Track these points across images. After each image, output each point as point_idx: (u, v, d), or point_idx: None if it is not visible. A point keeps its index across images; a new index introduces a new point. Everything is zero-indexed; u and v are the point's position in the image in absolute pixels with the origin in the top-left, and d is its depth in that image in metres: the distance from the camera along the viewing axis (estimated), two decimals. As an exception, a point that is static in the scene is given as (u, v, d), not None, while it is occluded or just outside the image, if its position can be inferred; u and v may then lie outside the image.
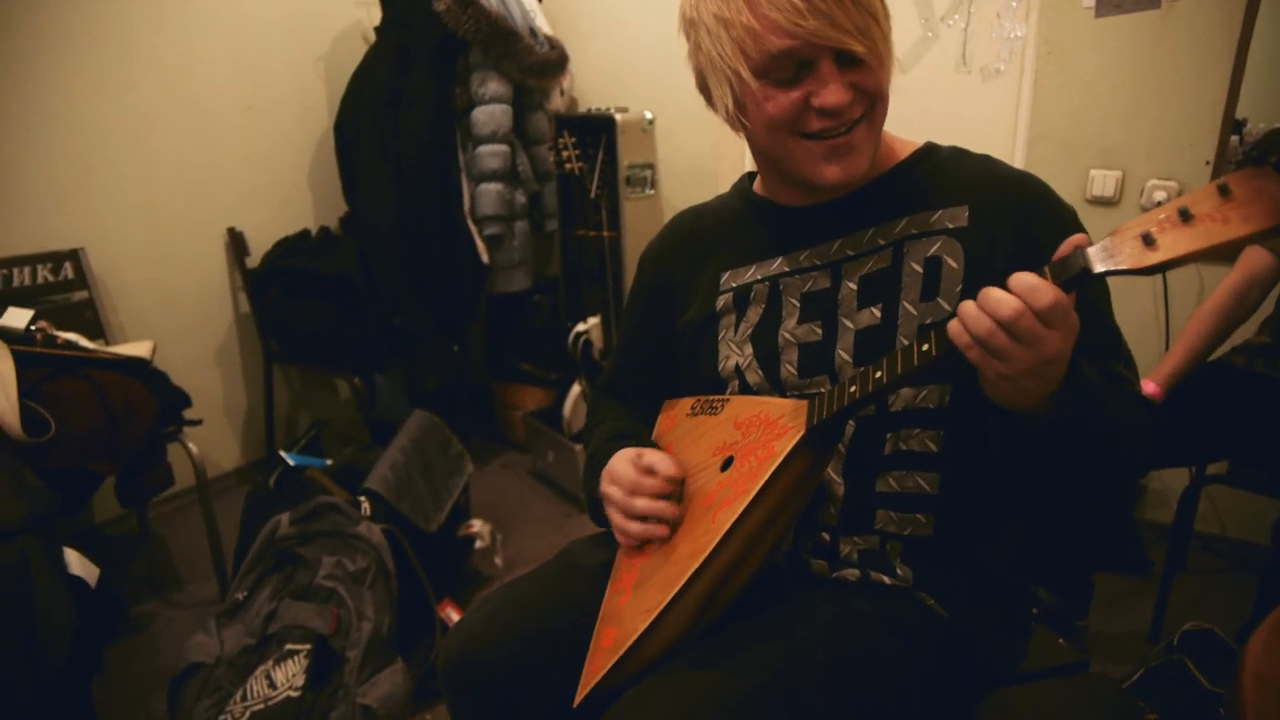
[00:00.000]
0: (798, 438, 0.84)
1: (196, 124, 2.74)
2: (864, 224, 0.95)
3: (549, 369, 3.19)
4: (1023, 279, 0.69)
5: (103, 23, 2.47)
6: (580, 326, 2.82)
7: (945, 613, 0.93)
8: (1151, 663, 1.78)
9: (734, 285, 1.03)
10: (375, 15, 2.85)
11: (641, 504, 0.95)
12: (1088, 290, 0.85)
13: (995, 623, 0.97)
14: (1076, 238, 0.71)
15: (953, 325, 0.72)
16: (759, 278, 1.01)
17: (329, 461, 2.25)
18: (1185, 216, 0.61)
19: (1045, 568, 1.95)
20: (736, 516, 0.83)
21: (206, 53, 2.74)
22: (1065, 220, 0.92)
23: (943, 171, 0.96)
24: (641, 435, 1.09)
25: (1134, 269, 0.64)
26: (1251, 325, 1.84)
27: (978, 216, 0.91)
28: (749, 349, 0.99)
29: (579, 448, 2.73)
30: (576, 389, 2.85)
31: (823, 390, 0.89)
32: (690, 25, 0.90)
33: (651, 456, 0.98)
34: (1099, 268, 0.66)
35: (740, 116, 0.90)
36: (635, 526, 0.95)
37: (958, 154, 0.98)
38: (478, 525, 2.37)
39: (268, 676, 1.68)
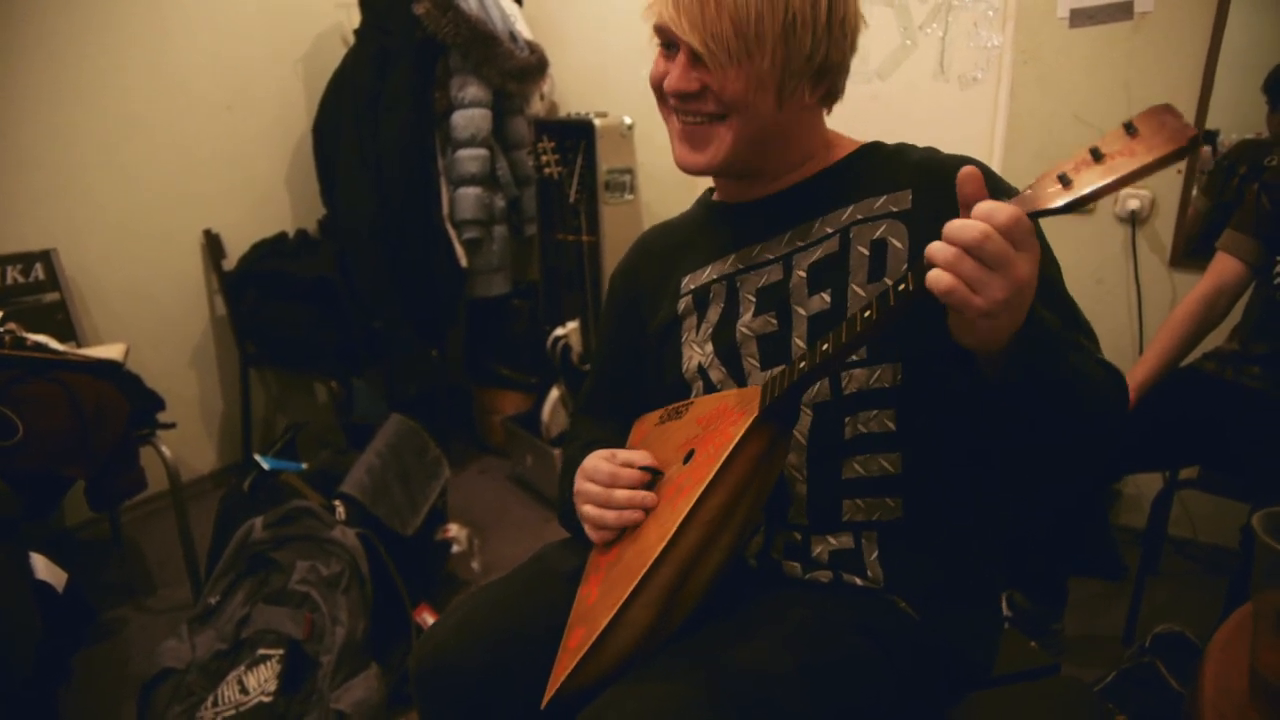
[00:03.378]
0: (751, 419, 0.86)
1: (174, 124, 2.72)
2: (811, 215, 0.99)
3: (528, 373, 3.18)
4: (982, 205, 0.70)
5: (81, 23, 2.45)
6: (559, 331, 2.81)
7: (917, 615, 0.93)
8: (1123, 665, 1.80)
9: (693, 287, 1.05)
10: (355, 17, 2.84)
11: (622, 495, 0.94)
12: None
13: (967, 621, 0.97)
14: (968, 170, 0.72)
15: (931, 273, 0.72)
16: (715, 277, 1.04)
17: (304, 465, 2.24)
18: (1097, 156, 0.65)
19: (1021, 572, 1.97)
20: (694, 502, 0.83)
21: (185, 53, 2.72)
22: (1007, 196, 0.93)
23: (886, 162, 0.99)
24: (617, 443, 1.09)
25: (1056, 207, 0.67)
26: (1223, 331, 1.86)
27: (920, 199, 0.94)
28: (710, 347, 1.01)
29: (557, 452, 2.72)
30: (555, 393, 2.84)
31: None
32: None
33: (626, 453, 0.99)
34: (1025, 210, 0.69)
35: None
36: (611, 515, 0.94)
37: (902, 147, 1.02)
38: (455, 530, 2.35)
39: (240, 682, 1.67)
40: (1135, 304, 2.33)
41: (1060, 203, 0.67)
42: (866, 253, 0.93)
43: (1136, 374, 1.80)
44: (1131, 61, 2.24)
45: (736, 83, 0.89)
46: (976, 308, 0.70)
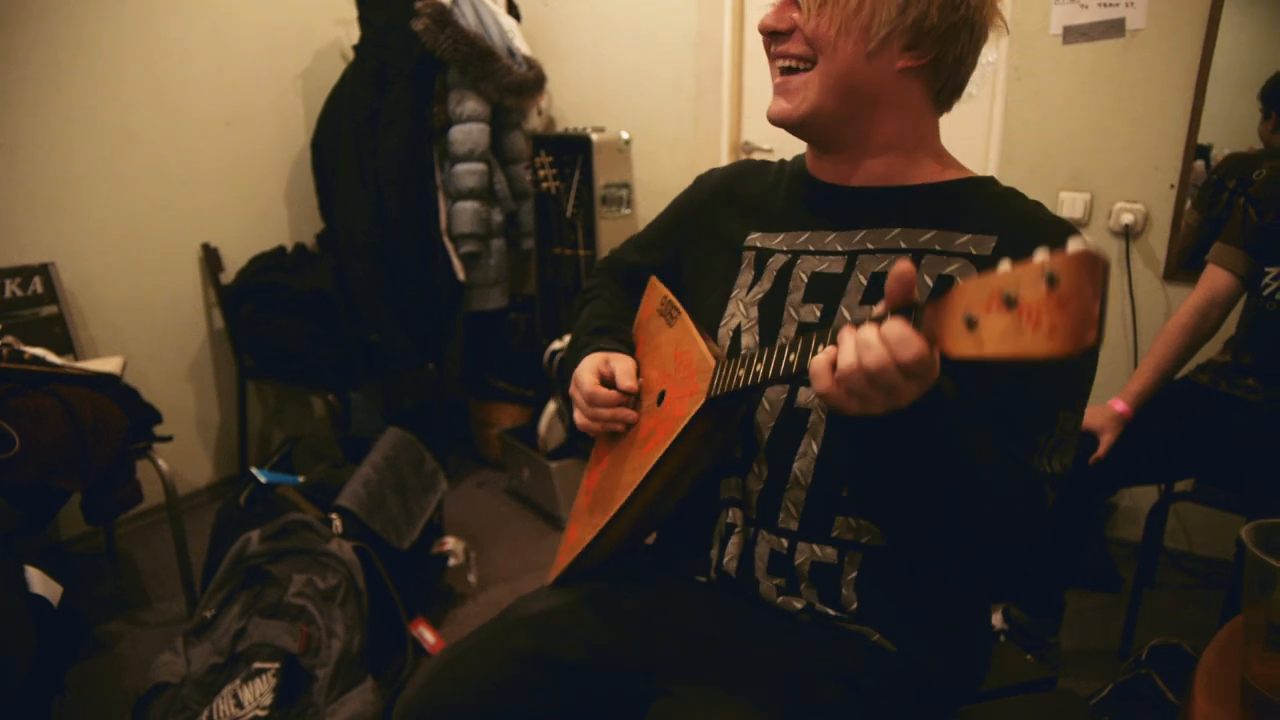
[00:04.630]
0: (699, 406, 0.92)
1: (173, 139, 2.73)
2: (892, 223, 0.96)
3: (525, 387, 3.18)
4: (892, 328, 0.66)
5: (80, 37, 2.46)
6: (556, 345, 2.82)
7: (893, 646, 0.93)
8: (1120, 678, 1.80)
9: (759, 247, 1.05)
10: (354, 34, 2.87)
11: (605, 412, 1.06)
12: None
13: (946, 649, 0.97)
14: (901, 268, 0.67)
15: (813, 367, 0.71)
16: (783, 248, 1.03)
17: (301, 479, 2.24)
18: (1009, 303, 0.57)
19: (1016, 586, 1.97)
20: (652, 465, 0.94)
21: (185, 68, 2.73)
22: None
23: (989, 202, 0.95)
24: (623, 327, 1.18)
25: (949, 355, 0.62)
26: (1217, 343, 1.87)
27: (1001, 249, 0.90)
28: (755, 313, 1.01)
29: (554, 465, 2.72)
30: (552, 407, 2.84)
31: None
32: None
33: (616, 363, 1.08)
34: (933, 343, 0.64)
35: None
36: (596, 426, 1.08)
37: (1011, 193, 0.97)
38: (451, 543, 2.35)
39: (235, 696, 1.66)
40: (1130, 317, 2.35)
41: (962, 354, 0.61)
42: (930, 285, 0.91)
43: (1132, 386, 1.81)
44: (1124, 77, 2.26)
45: (824, 21, 0.89)
46: (851, 412, 0.71)
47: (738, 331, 1.01)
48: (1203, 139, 2.22)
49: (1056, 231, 0.89)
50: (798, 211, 1.04)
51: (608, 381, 1.07)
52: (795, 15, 0.91)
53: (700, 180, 1.19)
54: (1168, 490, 2.06)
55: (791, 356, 0.78)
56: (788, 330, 0.98)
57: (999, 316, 0.57)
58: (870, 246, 0.96)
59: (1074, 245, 0.54)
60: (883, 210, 0.97)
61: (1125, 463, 1.79)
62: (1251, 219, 1.76)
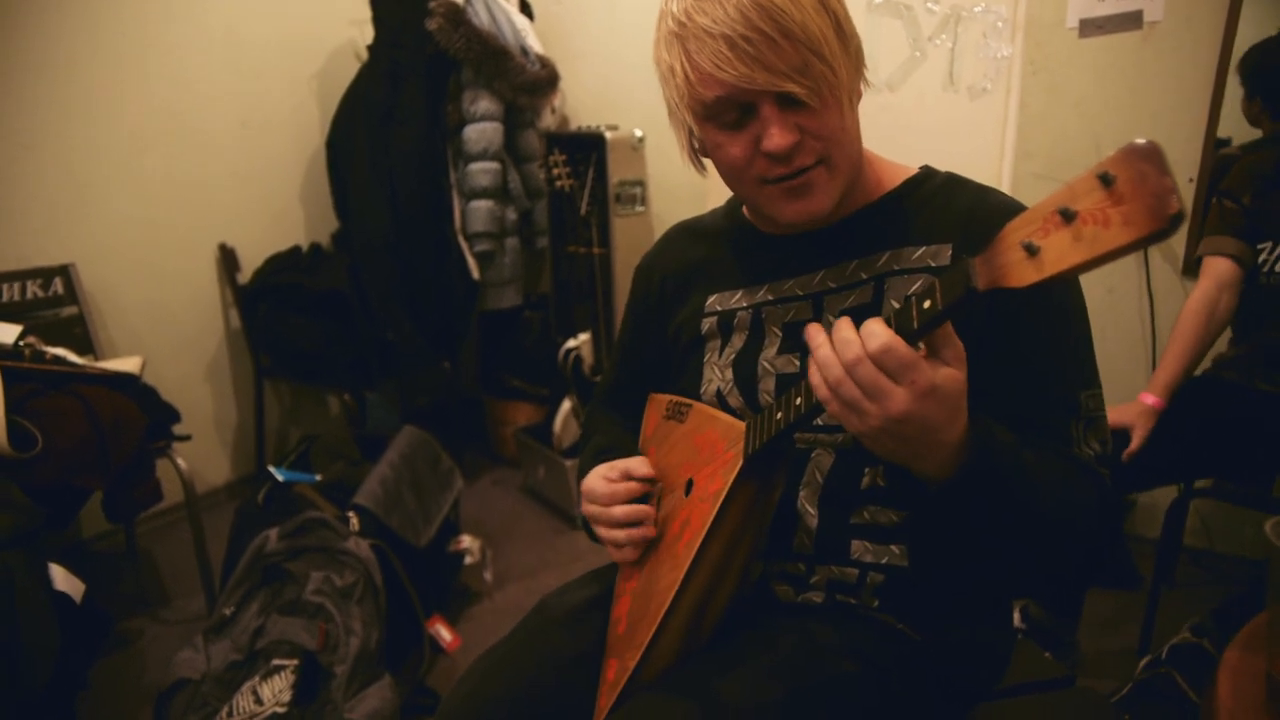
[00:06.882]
0: (737, 469, 0.85)
1: (190, 140, 2.75)
2: (848, 255, 0.94)
3: (540, 385, 3.19)
4: (867, 324, 0.66)
5: (97, 39, 2.49)
6: (571, 343, 2.82)
7: (917, 636, 0.92)
8: (1139, 677, 1.78)
9: (719, 309, 1.03)
10: (368, 34, 2.88)
11: (619, 511, 0.97)
12: (1034, 320, 0.84)
13: (972, 641, 0.96)
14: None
15: (811, 371, 0.70)
16: (744, 305, 1.01)
17: (318, 477, 2.25)
18: (1067, 216, 0.55)
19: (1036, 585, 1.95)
20: (695, 552, 0.85)
21: (201, 70, 2.75)
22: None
23: (931, 203, 0.93)
24: (625, 447, 1.09)
25: (1018, 286, 0.59)
26: (1220, 343, 1.85)
27: (959, 254, 0.87)
28: (730, 374, 0.99)
29: (570, 463, 2.73)
30: (567, 405, 2.85)
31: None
32: (658, 71, 0.92)
33: (623, 464, 1.00)
34: (984, 285, 0.61)
35: (699, 157, 0.96)
36: (620, 534, 0.97)
37: (952, 184, 0.94)
38: (467, 541, 2.36)
39: (254, 692, 1.67)
40: (1148, 313, 2.32)
41: (1024, 283, 0.58)
42: (898, 306, 0.87)
43: (1160, 377, 1.77)
44: (1141, 71, 2.24)
45: (833, 111, 0.83)
46: (853, 427, 0.69)
47: (720, 395, 1.00)
48: (1222, 132, 2.20)
49: (1011, 214, 0.89)
50: (749, 267, 1.02)
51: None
52: (799, 119, 0.83)
53: (639, 273, 1.16)
54: (1187, 487, 2.04)
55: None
56: (766, 384, 0.96)
57: (1061, 232, 0.56)
58: (832, 285, 0.94)
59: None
60: (836, 246, 0.95)
61: (1151, 463, 1.76)
62: (1229, 208, 1.78)
